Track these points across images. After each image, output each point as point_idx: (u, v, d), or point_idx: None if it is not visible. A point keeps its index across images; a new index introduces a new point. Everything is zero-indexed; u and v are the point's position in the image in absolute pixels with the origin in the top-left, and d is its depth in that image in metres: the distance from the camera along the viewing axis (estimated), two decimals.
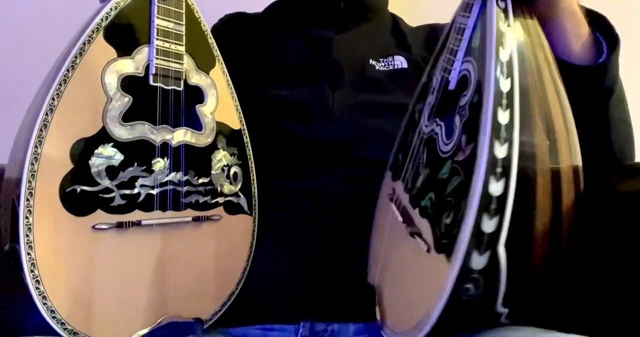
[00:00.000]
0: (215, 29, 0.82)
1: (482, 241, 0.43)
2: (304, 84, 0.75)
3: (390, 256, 0.60)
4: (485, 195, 0.43)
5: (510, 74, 0.45)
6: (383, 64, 0.77)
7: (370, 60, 0.76)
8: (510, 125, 0.44)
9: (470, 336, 0.50)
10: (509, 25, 0.47)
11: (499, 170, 0.43)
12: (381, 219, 0.67)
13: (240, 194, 0.66)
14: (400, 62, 0.77)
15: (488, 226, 0.43)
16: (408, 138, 0.63)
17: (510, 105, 0.44)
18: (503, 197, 0.43)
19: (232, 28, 0.83)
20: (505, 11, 0.48)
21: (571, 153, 0.48)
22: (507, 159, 0.43)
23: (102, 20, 0.55)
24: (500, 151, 0.43)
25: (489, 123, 0.43)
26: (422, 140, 0.57)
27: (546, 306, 0.55)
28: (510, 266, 0.44)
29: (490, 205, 0.43)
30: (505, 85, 0.45)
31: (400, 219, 0.57)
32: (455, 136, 0.49)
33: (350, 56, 0.76)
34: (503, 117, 0.44)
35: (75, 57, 0.53)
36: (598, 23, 0.57)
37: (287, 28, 0.80)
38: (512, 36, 0.47)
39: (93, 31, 0.54)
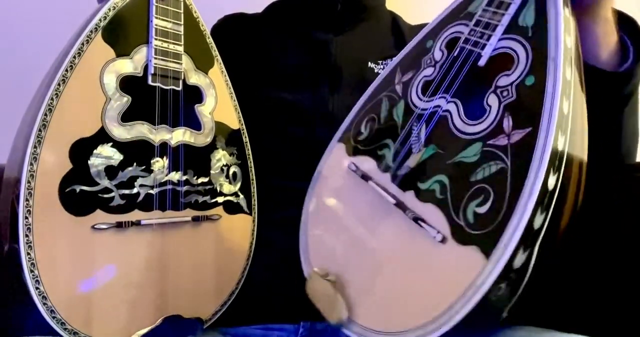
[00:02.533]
0: (215, 30, 0.82)
1: (528, 238, 0.39)
2: (304, 86, 0.75)
3: (371, 245, 0.53)
4: (544, 188, 0.39)
5: (571, 63, 0.43)
6: (382, 67, 0.77)
7: (369, 63, 0.76)
8: (568, 115, 0.41)
9: (472, 336, 0.50)
10: (569, 12, 0.45)
11: (556, 163, 0.40)
12: (343, 198, 0.59)
13: (239, 193, 0.66)
14: None
15: (538, 222, 0.40)
16: (381, 110, 0.57)
17: (569, 95, 0.42)
18: (553, 192, 0.40)
19: (232, 29, 0.83)
20: None
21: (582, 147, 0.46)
22: (563, 151, 0.40)
23: (100, 20, 0.55)
24: (561, 142, 0.40)
25: (556, 111, 0.40)
26: (418, 117, 0.52)
27: (546, 306, 0.55)
28: (535, 266, 0.41)
29: (545, 199, 0.39)
30: (568, 74, 0.43)
31: (393, 201, 0.50)
32: (490, 117, 0.45)
33: (349, 58, 0.76)
34: (566, 106, 0.42)
35: (74, 57, 0.53)
36: (628, 27, 0.57)
37: (286, 30, 0.80)
38: (572, 24, 0.45)
39: (91, 31, 0.54)
